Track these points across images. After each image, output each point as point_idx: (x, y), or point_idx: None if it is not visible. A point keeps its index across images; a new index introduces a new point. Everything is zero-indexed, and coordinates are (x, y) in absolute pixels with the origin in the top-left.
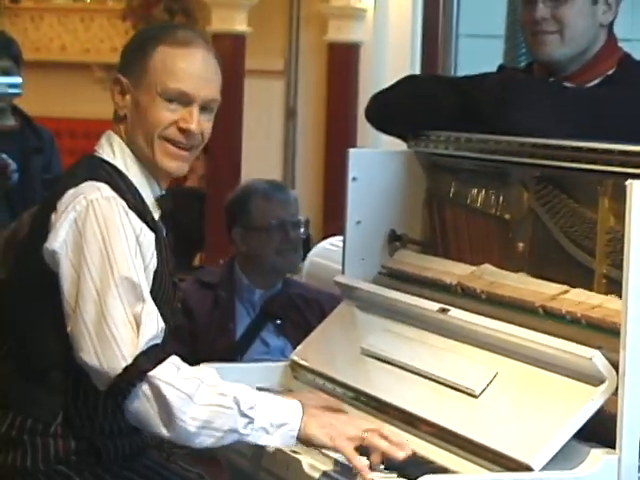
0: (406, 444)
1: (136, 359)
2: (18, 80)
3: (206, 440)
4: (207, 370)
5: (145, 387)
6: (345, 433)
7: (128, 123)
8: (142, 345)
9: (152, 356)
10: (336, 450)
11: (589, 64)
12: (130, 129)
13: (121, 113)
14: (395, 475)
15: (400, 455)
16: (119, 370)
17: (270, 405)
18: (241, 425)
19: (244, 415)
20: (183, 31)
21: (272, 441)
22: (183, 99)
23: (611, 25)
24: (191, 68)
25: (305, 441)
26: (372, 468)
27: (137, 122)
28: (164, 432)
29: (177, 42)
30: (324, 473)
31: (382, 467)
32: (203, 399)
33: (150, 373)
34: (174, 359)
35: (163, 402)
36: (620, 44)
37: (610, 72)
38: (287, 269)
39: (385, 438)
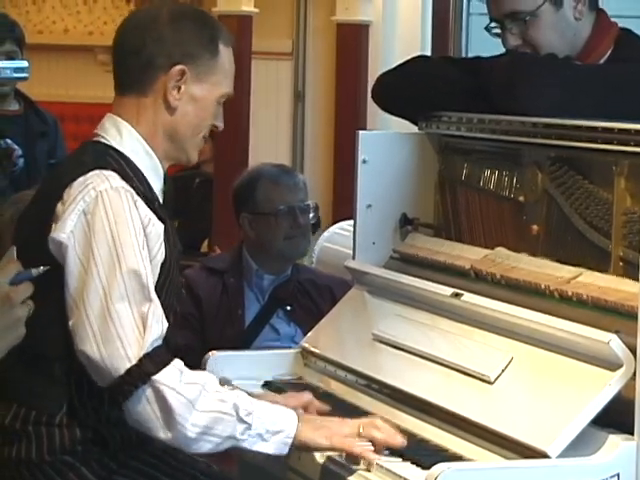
0: (398, 434)
1: (140, 360)
2: (24, 64)
3: (204, 445)
4: (208, 375)
5: (148, 390)
6: (341, 432)
7: (178, 116)
8: (147, 346)
9: (156, 359)
10: (334, 449)
11: (584, 53)
12: (180, 121)
13: (173, 105)
14: (409, 463)
15: (397, 442)
16: (122, 370)
17: (267, 412)
18: (239, 431)
19: (242, 421)
20: (224, 26)
21: (267, 448)
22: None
23: (596, 4)
24: None
25: (301, 447)
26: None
27: (193, 117)
28: (163, 436)
29: (229, 41)
30: (334, 461)
31: (386, 452)
32: (204, 405)
33: (154, 377)
34: (177, 362)
35: (165, 407)
36: (628, 21)
37: (609, 52)
38: (296, 255)
39: (379, 429)
